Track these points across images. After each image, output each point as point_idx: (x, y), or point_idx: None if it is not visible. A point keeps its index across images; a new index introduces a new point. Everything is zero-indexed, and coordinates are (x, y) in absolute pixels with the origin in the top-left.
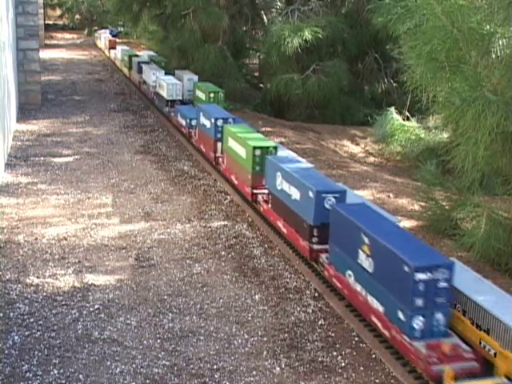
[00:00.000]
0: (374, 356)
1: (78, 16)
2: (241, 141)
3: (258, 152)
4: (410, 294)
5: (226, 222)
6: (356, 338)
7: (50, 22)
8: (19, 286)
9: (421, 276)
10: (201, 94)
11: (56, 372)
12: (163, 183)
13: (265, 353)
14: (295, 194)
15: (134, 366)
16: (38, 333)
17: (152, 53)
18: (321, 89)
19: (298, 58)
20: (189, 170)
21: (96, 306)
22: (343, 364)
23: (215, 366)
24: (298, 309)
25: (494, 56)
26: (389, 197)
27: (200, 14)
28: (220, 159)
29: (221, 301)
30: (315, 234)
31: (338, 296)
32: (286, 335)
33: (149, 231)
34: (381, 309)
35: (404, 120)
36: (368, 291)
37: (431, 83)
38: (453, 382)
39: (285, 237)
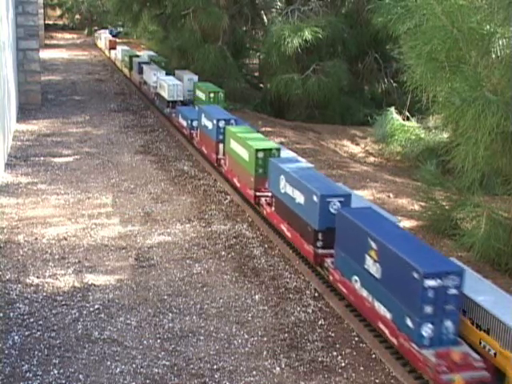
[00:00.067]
0: (374, 356)
1: (78, 16)
2: (243, 142)
3: (260, 154)
4: (419, 300)
5: (225, 222)
6: (356, 338)
7: (50, 22)
8: (19, 286)
9: (430, 282)
10: (201, 94)
11: (56, 372)
12: (163, 183)
13: (265, 353)
14: (299, 197)
15: (134, 365)
16: (38, 333)
17: (152, 53)
18: (321, 89)
19: (298, 58)
20: (189, 170)
21: (96, 306)
22: (343, 364)
23: (215, 366)
24: (298, 309)
25: (494, 56)
26: (389, 197)
27: (200, 13)
28: (222, 161)
29: (221, 301)
30: (320, 238)
31: (338, 296)
32: (286, 335)
33: (149, 231)
34: (388, 315)
35: (404, 120)
36: (375, 297)
37: (431, 83)
38: None
39: (289, 240)
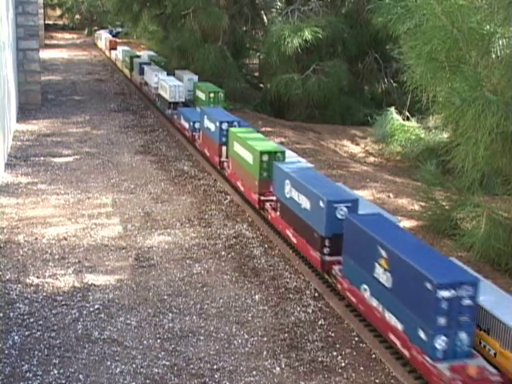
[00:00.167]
0: (373, 356)
1: (78, 16)
2: (247, 145)
3: (265, 157)
4: (432, 312)
5: (225, 222)
6: (356, 338)
7: (50, 22)
8: (19, 286)
9: (444, 293)
10: (201, 94)
11: (56, 372)
12: (163, 183)
13: (265, 353)
14: (305, 202)
15: (133, 365)
16: (38, 333)
17: (152, 53)
18: (321, 89)
19: (298, 58)
20: (189, 170)
21: (96, 306)
22: (343, 364)
23: (215, 366)
24: (298, 309)
25: (494, 56)
26: (389, 197)
27: (200, 13)
28: (225, 164)
29: (221, 301)
30: (327, 244)
31: (338, 296)
32: (286, 335)
33: (149, 231)
34: (399, 326)
35: (404, 120)
36: (385, 307)
37: (431, 83)
38: None
39: (295, 246)
